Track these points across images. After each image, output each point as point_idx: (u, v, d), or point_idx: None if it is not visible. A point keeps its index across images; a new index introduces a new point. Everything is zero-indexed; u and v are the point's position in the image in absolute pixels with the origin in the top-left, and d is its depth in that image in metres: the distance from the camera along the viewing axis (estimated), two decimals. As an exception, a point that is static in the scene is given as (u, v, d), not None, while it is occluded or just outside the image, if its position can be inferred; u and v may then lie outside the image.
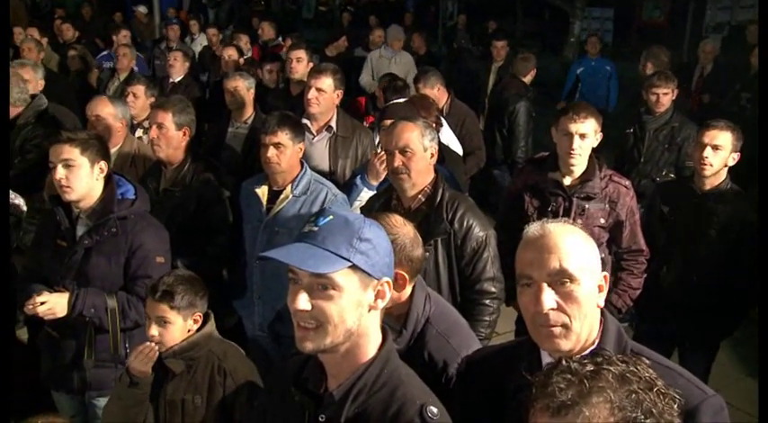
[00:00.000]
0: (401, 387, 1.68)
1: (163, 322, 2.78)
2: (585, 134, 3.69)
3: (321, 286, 1.61)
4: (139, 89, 5.43)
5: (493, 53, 8.82)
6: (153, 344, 2.80)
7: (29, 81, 5.09)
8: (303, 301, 1.61)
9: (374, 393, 1.67)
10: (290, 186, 3.74)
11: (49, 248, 3.31)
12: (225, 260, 4.03)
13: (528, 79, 7.41)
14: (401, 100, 5.13)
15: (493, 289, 3.30)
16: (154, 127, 4.02)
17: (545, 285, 1.72)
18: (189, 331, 2.85)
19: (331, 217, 1.66)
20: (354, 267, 1.62)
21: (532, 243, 1.77)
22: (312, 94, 4.55)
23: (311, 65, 6.09)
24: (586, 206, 3.77)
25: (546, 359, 1.81)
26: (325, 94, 4.57)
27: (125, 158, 4.50)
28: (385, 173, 3.79)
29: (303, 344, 1.64)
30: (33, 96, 4.83)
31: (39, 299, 3.09)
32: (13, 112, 4.66)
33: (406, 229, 2.46)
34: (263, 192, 3.79)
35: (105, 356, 3.25)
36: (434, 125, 4.13)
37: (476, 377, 2.06)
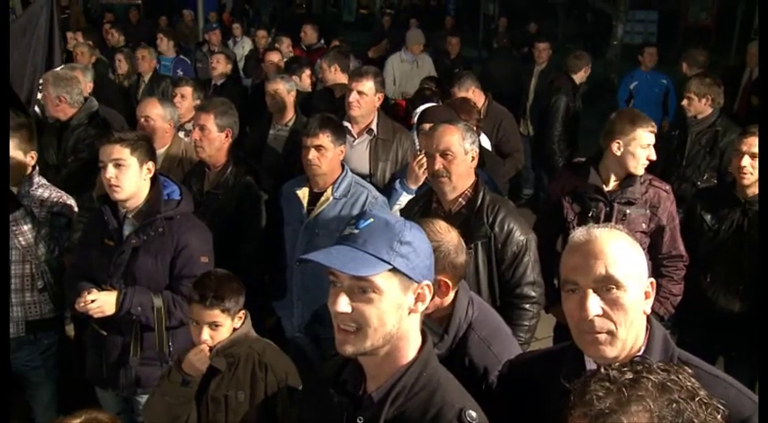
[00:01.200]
0: (440, 390, 1.69)
1: (214, 326, 2.81)
2: None
3: (361, 289, 1.61)
4: (187, 91, 5.52)
5: (534, 55, 8.73)
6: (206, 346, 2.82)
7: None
8: (343, 304, 1.61)
9: (413, 396, 1.67)
10: (330, 188, 3.77)
11: (97, 247, 3.37)
12: (255, 267, 4.04)
13: (579, 77, 7.41)
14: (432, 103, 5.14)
15: (533, 293, 3.28)
16: (196, 129, 4.09)
17: (590, 291, 1.70)
18: (234, 329, 2.89)
19: (372, 220, 1.67)
20: (395, 270, 1.62)
21: (578, 248, 1.75)
22: (353, 96, 4.59)
23: (336, 69, 6.16)
24: (628, 211, 3.73)
25: (590, 366, 1.79)
26: (366, 97, 4.61)
27: (172, 159, 4.58)
28: (424, 177, 3.79)
29: (343, 347, 1.64)
30: (85, 99, 4.98)
31: (89, 297, 3.16)
32: (69, 112, 4.83)
33: (450, 236, 2.46)
34: (303, 193, 3.82)
35: (151, 354, 3.30)
36: (476, 128, 4.13)
37: (518, 381, 2.05)
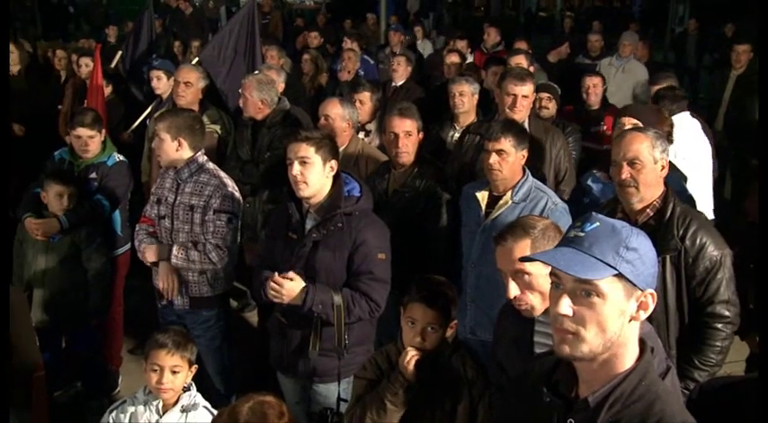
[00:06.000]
0: (659, 402, 1.63)
1: (431, 328, 2.75)
2: None
3: (585, 292, 1.61)
4: (365, 95, 5.68)
5: (732, 59, 7.97)
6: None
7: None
8: (565, 306, 1.61)
9: (630, 404, 1.62)
10: (510, 192, 3.73)
11: (281, 240, 3.53)
12: (439, 267, 4.06)
13: None
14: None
15: (727, 313, 3.08)
16: (402, 135, 4.20)
17: None
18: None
19: (598, 223, 1.65)
20: (619, 276, 1.60)
21: None
22: (520, 100, 4.61)
23: (532, 69, 6.08)
24: None
25: None
26: (528, 100, 4.65)
27: (349, 158, 4.70)
28: None
29: (560, 347, 1.63)
30: (279, 99, 5.27)
31: (293, 279, 3.29)
32: (266, 112, 5.13)
33: (544, 223, 2.56)
34: (483, 196, 3.80)
35: (328, 346, 3.38)
36: (668, 136, 3.92)
37: (711, 409, 1.92)
